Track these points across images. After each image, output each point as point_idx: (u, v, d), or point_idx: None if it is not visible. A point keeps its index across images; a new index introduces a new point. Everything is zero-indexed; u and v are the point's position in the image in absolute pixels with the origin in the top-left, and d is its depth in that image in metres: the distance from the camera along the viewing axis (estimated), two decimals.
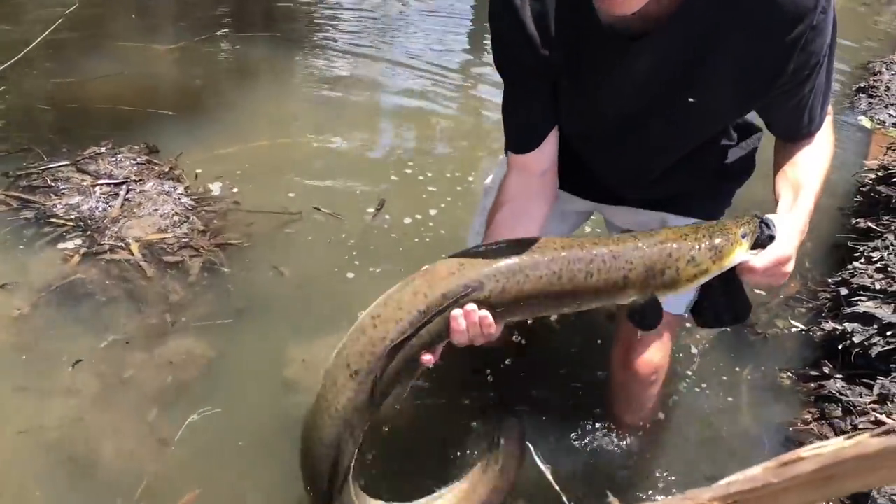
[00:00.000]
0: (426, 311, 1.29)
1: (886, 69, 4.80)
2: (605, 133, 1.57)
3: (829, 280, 2.62)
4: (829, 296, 2.50)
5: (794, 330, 2.44)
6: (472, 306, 1.28)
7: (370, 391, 1.32)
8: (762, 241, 1.36)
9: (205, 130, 2.99)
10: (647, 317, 1.39)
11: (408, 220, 2.66)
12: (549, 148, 1.54)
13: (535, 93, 1.48)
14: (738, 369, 2.32)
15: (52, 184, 2.57)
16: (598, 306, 1.42)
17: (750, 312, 1.51)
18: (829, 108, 1.53)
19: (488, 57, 3.53)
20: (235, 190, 2.67)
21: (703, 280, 1.37)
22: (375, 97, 3.50)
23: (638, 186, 1.71)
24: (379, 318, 1.30)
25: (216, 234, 2.42)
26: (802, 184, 1.47)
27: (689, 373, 2.27)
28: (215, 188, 2.65)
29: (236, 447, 1.86)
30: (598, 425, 2.00)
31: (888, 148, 3.29)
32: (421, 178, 2.89)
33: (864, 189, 3.00)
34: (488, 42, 2.79)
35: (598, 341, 2.25)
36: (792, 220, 1.40)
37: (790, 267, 1.37)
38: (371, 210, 2.68)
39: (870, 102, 4.31)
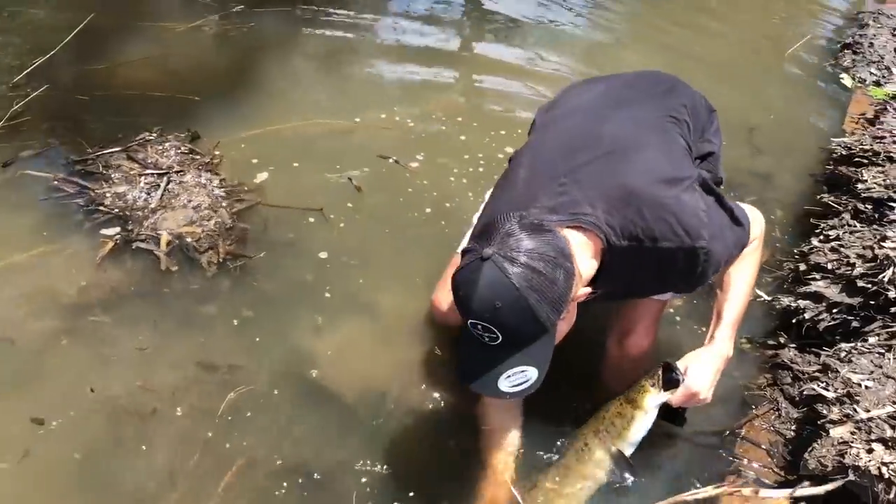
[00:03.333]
0: None
1: (874, 21, 4.91)
2: None
3: (795, 251, 2.93)
4: (791, 267, 2.81)
5: (759, 300, 2.77)
6: None
7: None
8: (673, 382, 1.90)
9: (231, 114, 3.22)
10: (623, 467, 1.97)
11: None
12: None
13: None
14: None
15: (105, 171, 2.83)
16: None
17: (683, 424, 2.08)
18: (759, 230, 2.00)
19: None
20: (264, 178, 2.94)
21: (639, 422, 1.93)
22: (383, 71, 3.73)
23: None
24: None
25: (239, 240, 2.67)
26: (723, 312, 2.02)
27: (666, 336, 2.61)
28: (247, 180, 2.92)
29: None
30: None
31: (859, 119, 3.52)
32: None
33: (834, 159, 3.26)
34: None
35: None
36: (705, 356, 1.96)
37: (704, 394, 1.92)
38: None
39: (853, 59, 4.45)
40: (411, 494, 2.06)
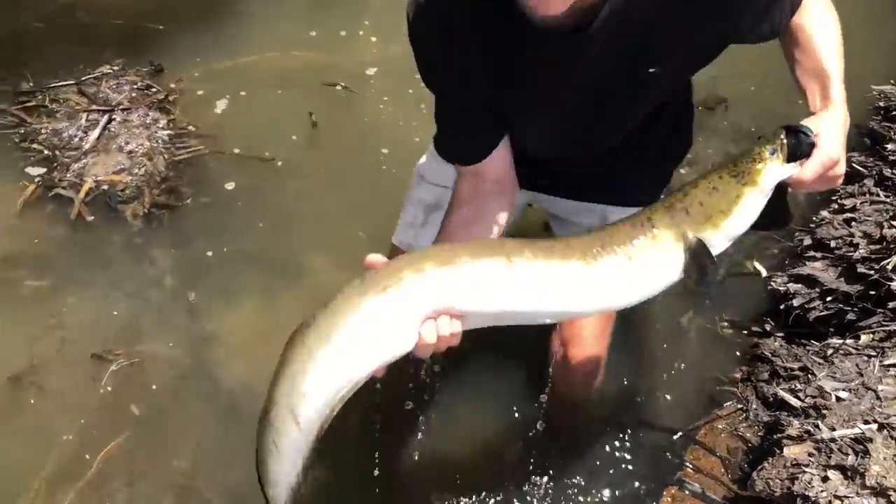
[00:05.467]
0: None
1: None
2: (556, 119, 1.49)
3: (813, 219, 2.51)
4: (800, 239, 2.41)
5: (754, 274, 2.39)
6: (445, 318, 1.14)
7: None
8: (803, 150, 1.26)
9: (199, 45, 2.96)
10: (701, 269, 1.25)
11: None
12: (502, 153, 1.47)
13: (477, 101, 1.40)
14: (688, 313, 2.32)
15: (49, 105, 2.66)
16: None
17: (791, 221, 1.47)
18: None
19: None
20: (218, 116, 2.72)
21: (744, 206, 1.25)
22: None
23: (580, 164, 1.66)
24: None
25: (170, 191, 2.46)
26: (826, 71, 1.36)
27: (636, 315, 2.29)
28: (200, 119, 2.69)
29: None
30: None
31: None
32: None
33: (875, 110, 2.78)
34: None
35: None
36: (830, 118, 1.31)
37: (841, 168, 1.29)
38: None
39: None
40: None
